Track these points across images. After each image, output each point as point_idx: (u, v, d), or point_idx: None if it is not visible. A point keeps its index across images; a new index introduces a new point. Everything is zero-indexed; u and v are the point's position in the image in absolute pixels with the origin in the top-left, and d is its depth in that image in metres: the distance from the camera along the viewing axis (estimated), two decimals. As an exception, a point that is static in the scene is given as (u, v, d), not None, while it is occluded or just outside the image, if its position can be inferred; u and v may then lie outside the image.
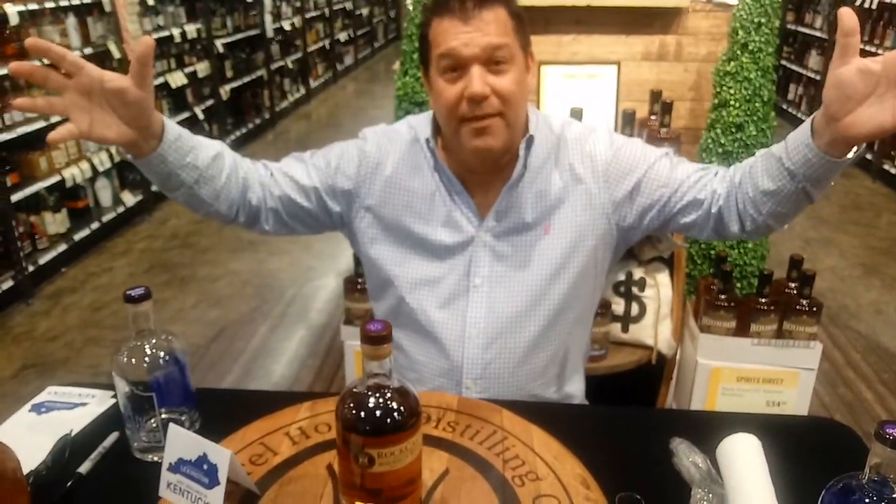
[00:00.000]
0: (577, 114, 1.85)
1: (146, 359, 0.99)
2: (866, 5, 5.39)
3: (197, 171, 1.13)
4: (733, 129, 2.12)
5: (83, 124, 1.00)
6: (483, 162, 1.20)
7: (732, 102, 2.11)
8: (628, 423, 1.13)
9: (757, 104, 2.09)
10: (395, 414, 0.80)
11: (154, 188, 4.50)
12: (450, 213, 1.24)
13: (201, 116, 5.14)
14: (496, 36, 1.10)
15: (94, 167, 3.83)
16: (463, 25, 1.10)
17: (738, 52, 2.09)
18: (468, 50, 1.10)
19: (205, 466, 0.86)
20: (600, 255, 1.27)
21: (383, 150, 1.27)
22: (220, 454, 0.85)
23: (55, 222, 3.60)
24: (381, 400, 0.81)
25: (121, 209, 4.14)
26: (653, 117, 2.04)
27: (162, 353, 1.00)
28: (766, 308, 1.86)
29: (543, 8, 2.38)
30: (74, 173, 3.65)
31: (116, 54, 3.98)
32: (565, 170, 1.23)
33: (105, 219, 3.98)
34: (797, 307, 1.84)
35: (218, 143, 1.20)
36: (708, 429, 1.02)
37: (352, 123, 7.15)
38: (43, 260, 3.48)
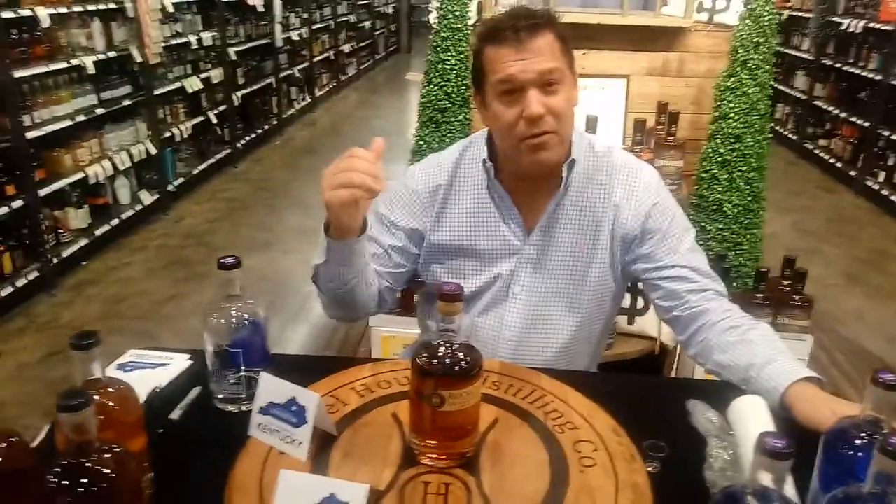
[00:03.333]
0: (592, 121, 2.02)
1: (233, 320, 1.13)
2: (850, 30, 5.64)
3: (361, 269, 1.28)
4: (732, 140, 2.30)
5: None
6: (539, 173, 1.31)
7: (732, 115, 2.29)
8: (648, 388, 1.29)
9: (754, 117, 2.28)
10: (463, 362, 0.95)
11: (169, 188, 4.64)
12: (499, 227, 1.36)
13: (214, 121, 5.29)
14: (548, 60, 1.21)
15: (115, 166, 3.96)
16: (518, 53, 1.20)
17: (738, 69, 2.27)
18: (525, 75, 1.20)
19: (293, 408, 1.00)
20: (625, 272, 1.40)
21: (432, 180, 1.38)
22: (309, 397, 0.99)
23: (78, 218, 3.73)
24: (450, 350, 0.95)
25: (138, 207, 4.28)
26: (659, 127, 2.22)
27: (246, 316, 1.14)
28: (761, 302, 2.02)
29: (556, 25, 2.55)
30: (97, 171, 3.78)
31: (138, 58, 4.13)
32: (607, 193, 1.34)
33: (123, 216, 4.12)
34: (790, 302, 2.01)
35: None
36: (718, 394, 1.16)
37: (355, 133, 7.30)
38: (66, 253, 3.61)
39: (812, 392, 1.10)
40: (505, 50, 1.21)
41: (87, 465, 0.76)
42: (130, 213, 4.20)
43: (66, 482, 0.75)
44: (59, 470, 0.76)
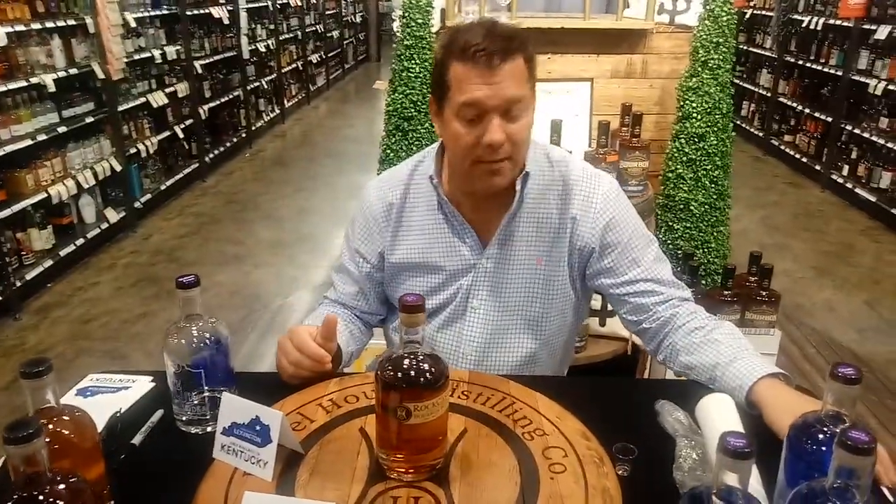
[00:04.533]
0: (556, 125, 2.03)
1: (194, 340, 1.11)
2: (811, 27, 5.76)
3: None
4: (696, 139, 2.33)
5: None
6: (490, 194, 1.29)
7: (695, 115, 2.32)
8: (617, 390, 1.28)
9: (717, 116, 2.31)
10: (428, 374, 0.94)
11: (136, 205, 4.57)
12: (454, 243, 1.34)
13: (181, 135, 5.22)
14: (516, 88, 1.16)
15: (78, 184, 3.88)
16: (487, 77, 1.14)
17: (699, 69, 2.30)
18: (491, 101, 1.16)
19: (257, 427, 0.98)
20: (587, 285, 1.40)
21: (386, 198, 1.38)
22: (272, 415, 0.97)
23: (41, 239, 3.65)
24: (415, 361, 0.94)
25: (104, 225, 4.20)
26: (624, 129, 2.24)
27: (207, 335, 1.12)
28: (729, 299, 2.05)
29: (520, 30, 2.56)
30: (60, 190, 3.70)
31: (100, 74, 4.06)
32: (564, 205, 1.31)
33: (89, 235, 4.03)
34: (757, 298, 2.03)
35: (342, 326, 1.34)
36: (686, 394, 1.17)
37: (326, 142, 7.27)
38: (30, 275, 3.52)
39: (776, 391, 1.10)
40: (473, 71, 1.16)
41: (39, 497, 0.74)
42: (96, 231, 4.12)
43: (18, 515, 0.72)
44: (10, 503, 0.73)
